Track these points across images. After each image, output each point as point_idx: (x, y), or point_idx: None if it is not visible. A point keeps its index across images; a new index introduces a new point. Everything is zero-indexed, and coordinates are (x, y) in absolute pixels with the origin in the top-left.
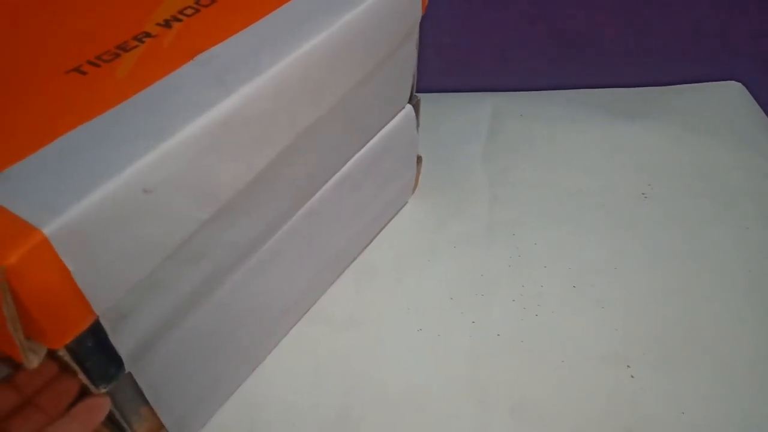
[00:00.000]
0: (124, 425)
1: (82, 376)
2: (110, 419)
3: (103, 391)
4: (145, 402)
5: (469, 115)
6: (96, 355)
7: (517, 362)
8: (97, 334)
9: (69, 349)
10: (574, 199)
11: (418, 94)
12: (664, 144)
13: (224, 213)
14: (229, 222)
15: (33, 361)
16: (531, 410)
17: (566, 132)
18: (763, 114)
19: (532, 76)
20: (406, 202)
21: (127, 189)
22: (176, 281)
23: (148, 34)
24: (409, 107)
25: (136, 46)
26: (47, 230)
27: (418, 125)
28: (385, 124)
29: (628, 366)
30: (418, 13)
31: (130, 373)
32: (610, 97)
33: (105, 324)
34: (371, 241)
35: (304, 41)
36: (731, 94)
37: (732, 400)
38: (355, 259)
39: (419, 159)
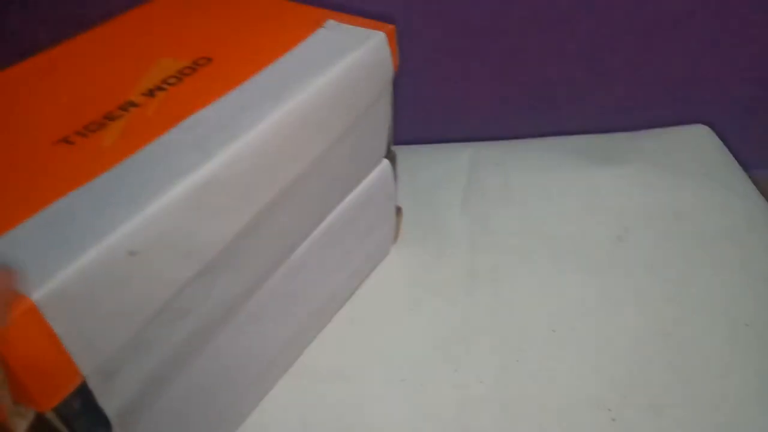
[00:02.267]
0: None
1: None
2: None
3: None
4: None
5: (447, 165)
6: (84, 416)
7: (500, 409)
8: (84, 395)
9: (57, 411)
10: (552, 244)
11: (394, 147)
12: (637, 187)
13: (208, 270)
14: (213, 279)
15: (20, 426)
16: None
17: (542, 178)
18: (729, 155)
19: (507, 125)
20: (388, 253)
21: (113, 252)
22: (162, 340)
23: (132, 104)
24: (386, 162)
25: (121, 116)
26: (35, 297)
27: (395, 178)
28: (363, 178)
29: (609, 409)
30: (390, 73)
31: None
32: (584, 143)
33: (92, 385)
34: (354, 293)
35: (279, 105)
36: (699, 136)
37: None
38: (338, 311)
39: (399, 210)
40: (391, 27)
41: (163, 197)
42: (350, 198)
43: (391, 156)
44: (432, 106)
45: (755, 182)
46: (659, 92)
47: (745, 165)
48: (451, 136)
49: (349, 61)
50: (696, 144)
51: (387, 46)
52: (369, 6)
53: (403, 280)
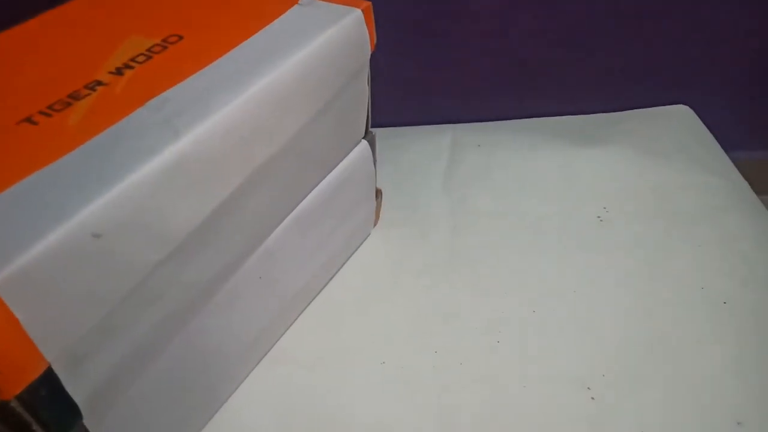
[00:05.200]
0: None
1: (36, 428)
2: None
3: None
4: None
5: (428, 147)
6: (50, 404)
7: (480, 389)
8: (50, 381)
9: (21, 399)
10: (532, 225)
11: (373, 129)
12: (617, 168)
13: (178, 254)
14: (184, 263)
15: None
16: None
17: (523, 160)
18: (710, 135)
19: (489, 107)
20: (369, 235)
21: (76, 235)
22: (132, 324)
23: (99, 83)
24: (364, 143)
25: (87, 95)
26: None
27: (375, 160)
28: (341, 160)
29: (588, 388)
30: (367, 52)
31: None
32: (565, 125)
33: (58, 371)
34: (334, 276)
35: (252, 82)
36: (680, 117)
37: (692, 417)
38: (317, 295)
39: (379, 192)
40: (367, 4)
41: (128, 178)
42: (328, 179)
43: (370, 137)
44: (412, 88)
45: (736, 163)
46: (640, 73)
47: (727, 145)
48: (432, 119)
49: (323, 38)
50: (677, 124)
51: (363, 23)
52: None
53: (383, 263)
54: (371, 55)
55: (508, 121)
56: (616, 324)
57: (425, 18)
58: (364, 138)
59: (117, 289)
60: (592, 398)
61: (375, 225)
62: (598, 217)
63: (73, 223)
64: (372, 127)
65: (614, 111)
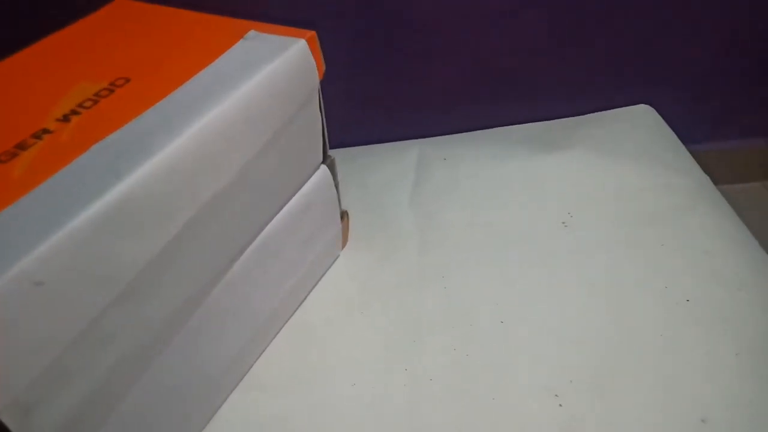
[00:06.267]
0: None
1: None
2: None
3: None
4: None
5: (395, 164)
6: None
7: (450, 404)
8: None
9: None
10: (498, 234)
11: (337, 151)
12: (581, 172)
13: (129, 295)
14: (137, 303)
15: None
16: None
17: (488, 170)
18: (673, 134)
19: (454, 119)
20: (338, 257)
21: (17, 285)
22: (86, 368)
23: (46, 131)
24: (323, 168)
25: (34, 144)
26: None
27: (336, 183)
28: (300, 187)
29: (556, 395)
30: (315, 80)
31: None
32: (529, 132)
33: (7, 420)
34: (304, 300)
35: (195, 120)
36: (643, 117)
37: (658, 416)
38: (288, 319)
39: (344, 214)
40: (311, 33)
41: (68, 224)
42: (288, 207)
43: (329, 161)
44: (376, 106)
45: (698, 156)
46: (601, 76)
47: (690, 139)
48: (398, 135)
49: (267, 71)
50: (639, 124)
51: (308, 52)
52: (315, 10)
53: (352, 285)
54: (329, 77)
55: (472, 132)
56: (582, 329)
57: (384, 35)
58: (323, 163)
59: (65, 334)
60: (560, 405)
61: (343, 247)
62: (563, 222)
63: (12, 272)
64: (337, 147)
65: (578, 115)
